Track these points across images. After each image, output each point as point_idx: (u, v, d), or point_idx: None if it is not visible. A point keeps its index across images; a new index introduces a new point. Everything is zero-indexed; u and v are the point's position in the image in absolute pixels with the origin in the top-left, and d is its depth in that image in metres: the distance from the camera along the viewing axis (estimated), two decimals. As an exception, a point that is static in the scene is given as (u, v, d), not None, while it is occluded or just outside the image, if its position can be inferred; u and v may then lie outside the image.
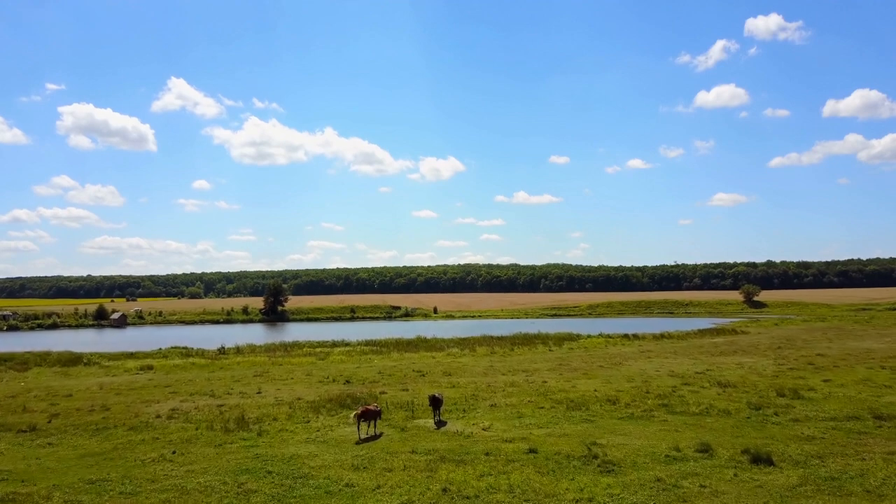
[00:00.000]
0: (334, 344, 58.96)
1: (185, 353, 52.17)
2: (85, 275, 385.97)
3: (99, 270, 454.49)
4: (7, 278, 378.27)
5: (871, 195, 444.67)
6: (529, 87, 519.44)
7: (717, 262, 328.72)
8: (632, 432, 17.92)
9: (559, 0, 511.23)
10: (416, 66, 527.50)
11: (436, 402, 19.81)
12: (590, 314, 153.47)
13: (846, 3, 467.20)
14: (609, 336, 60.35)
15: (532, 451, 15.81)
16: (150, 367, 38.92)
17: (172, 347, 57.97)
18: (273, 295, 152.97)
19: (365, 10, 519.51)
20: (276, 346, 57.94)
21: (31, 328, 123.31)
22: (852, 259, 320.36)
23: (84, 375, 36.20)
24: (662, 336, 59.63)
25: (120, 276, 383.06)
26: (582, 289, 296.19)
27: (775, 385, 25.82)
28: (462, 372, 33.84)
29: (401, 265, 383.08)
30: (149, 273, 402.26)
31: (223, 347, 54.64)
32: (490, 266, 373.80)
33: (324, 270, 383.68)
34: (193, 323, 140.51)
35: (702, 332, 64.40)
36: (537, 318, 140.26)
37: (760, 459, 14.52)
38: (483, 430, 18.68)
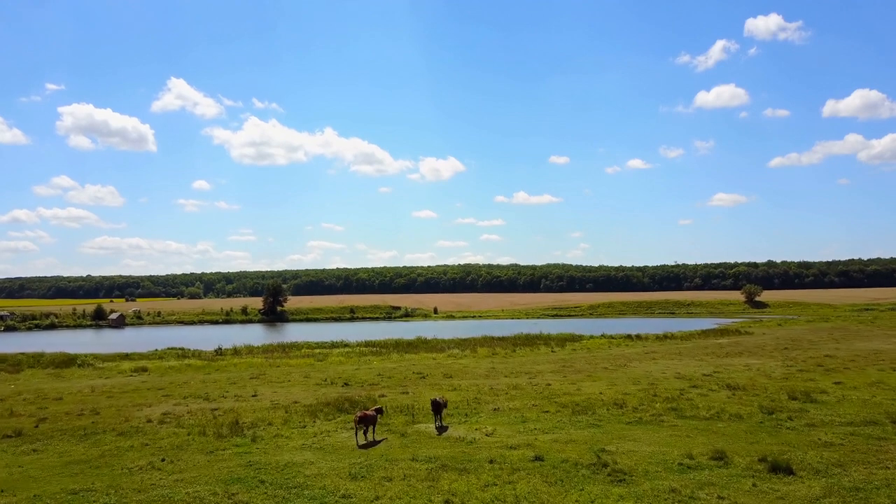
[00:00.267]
0: (333, 345, 58.11)
1: (182, 354, 51.40)
2: (84, 275, 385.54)
3: (99, 271, 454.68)
4: (6, 278, 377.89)
5: (871, 195, 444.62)
6: (529, 87, 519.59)
7: (718, 262, 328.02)
8: (641, 438, 17.18)
9: (559, 0, 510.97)
10: (416, 66, 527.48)
11: (437, 407, 19.09)
12: (591, 314, 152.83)
13: (846, 3, 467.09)
14: (612, 337, 59.63)
15: (538, 458, 15.07)
16: (145, 369, 38.18)
17: (169, 348, 57.22)
18: (272, 295, 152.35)
19: (365, 10, 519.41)
20: (274, 347, 57.15)
21: (29, 329, 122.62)
22: (853, 259, 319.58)
23: (77, 377, 35.47)
24: (666, 337, 58.95)
25: (119, 276, 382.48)
26: (582, 289, 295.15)
27: (786, 388, 25.08)
28: (463, 374, 33.11)
29: (401, 265, 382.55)
30: (148, 273, 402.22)
31: (220, 348, 53.86)
32: (490, 266, 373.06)
33: (324, 271, 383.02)
34: (192, 323, 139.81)
35: (705, 333, 63.66)
36: (538, 318, 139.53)
37: (779, 468, 13.78)
38: (486, 435, 17.95)
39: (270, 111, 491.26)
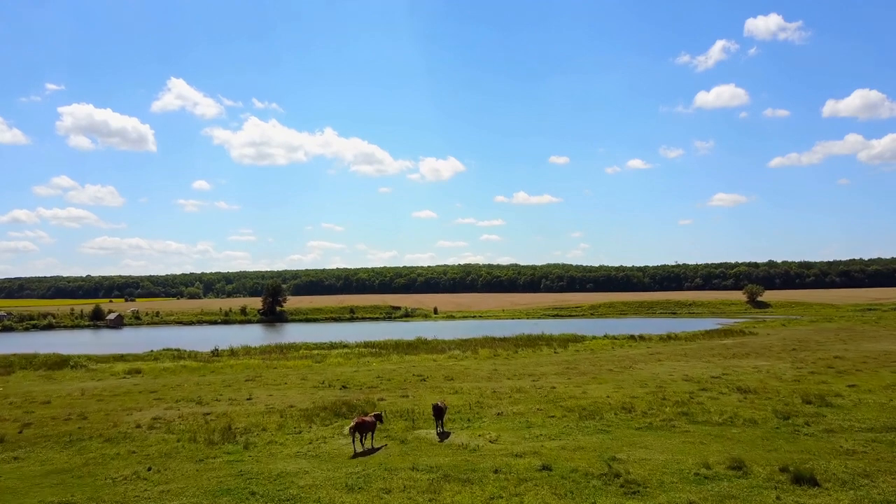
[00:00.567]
0: (332, 346, 57.16)
1: (177, 355, 50.50)
2: (84, 275, 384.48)
3: (98, 271, 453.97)
4: (6, 279, 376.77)
5: (871, 195, 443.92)
6: (529, 87, 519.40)
7: (719, 262, 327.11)
8: (653, 445, 16.33)
9: (559, 0, 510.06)
10: (415, 66, 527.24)
11: (439, 412, 18.22)
12: (592, 314, 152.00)
13: (846, 3, 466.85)
14: (615, 337, 58.72)
15: (545, 467, 14.22)
16: (139, 371, 37.33)
17: (164, 349, 56.38)
18: (271, 295, 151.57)
19: (365, 10, 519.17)
20: (272, 347, 56.23)
21: (26, 329, 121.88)
22: (854, 259, 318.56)
23: (68, 379, 34.63)
24: (670, 337, 58.08)
25: (119, 276, 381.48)
26: (583, 289, 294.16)
27: (799, 391, 24.25)
28: (465, 376, 32.25)
29: (401, 265, 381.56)
30: (148, 273, 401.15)
31: (216, 349, 52.99)
32: (490, 266, 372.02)
33: (323, 271, 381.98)
34: (191, 323, 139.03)
35: (709, 333, 62.76)
36: (539, 318, 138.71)
37: (803, 479, 12.93)
38: (490, 442, 17.10)
39: (270, 111, 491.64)
